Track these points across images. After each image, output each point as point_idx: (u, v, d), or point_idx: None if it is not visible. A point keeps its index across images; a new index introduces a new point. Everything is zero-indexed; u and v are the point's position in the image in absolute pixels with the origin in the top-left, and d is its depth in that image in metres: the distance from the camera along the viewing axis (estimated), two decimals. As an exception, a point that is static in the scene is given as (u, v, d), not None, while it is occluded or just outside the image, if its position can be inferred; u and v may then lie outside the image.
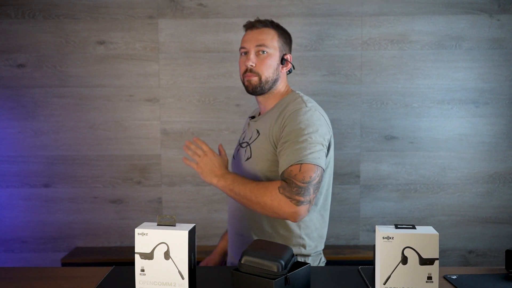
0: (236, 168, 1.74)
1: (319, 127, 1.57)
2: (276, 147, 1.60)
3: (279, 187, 1.49)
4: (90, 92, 2.74)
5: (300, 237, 1.65)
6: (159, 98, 2.75)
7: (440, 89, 2.73)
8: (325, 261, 1.76)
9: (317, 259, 1.70)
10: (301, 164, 1.50)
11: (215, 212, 2.79)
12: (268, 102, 1.71)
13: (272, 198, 1.49)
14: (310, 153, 1.51)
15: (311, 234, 1.67)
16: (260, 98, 1.71)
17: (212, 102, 2.75)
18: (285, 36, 1.71)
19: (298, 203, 1.48)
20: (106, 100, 2.74)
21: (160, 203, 2.79)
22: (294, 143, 1.53)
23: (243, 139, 1.76)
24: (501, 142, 2.75)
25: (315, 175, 1.50)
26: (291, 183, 1.48)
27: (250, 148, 1.67)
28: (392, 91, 2.73)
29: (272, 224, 1.64)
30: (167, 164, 2.77)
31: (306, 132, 1.54)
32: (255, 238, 1.64)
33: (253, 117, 1.79)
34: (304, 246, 1.66)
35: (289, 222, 1.63)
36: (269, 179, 1.61)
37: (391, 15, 2.70)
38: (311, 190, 1.49)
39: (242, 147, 1.74)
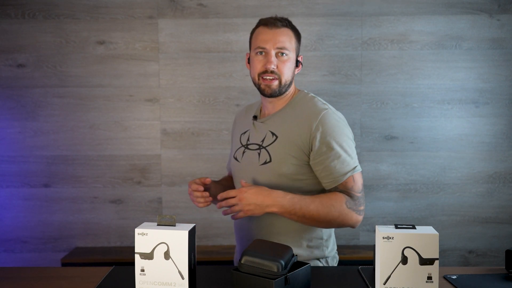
0: (245, 172, 1.65)
1: (347, 127, 1.64)
2: (305, 152, 1.57)
3: (345, 202, 1.52)
4: (90, 92, 2.74)
5: (322, 238, 1.65)
6: (159, 98, 2.75)
7: (440, 89, 2.73)
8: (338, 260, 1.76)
9: (334, 259, 1.71)
10: (353, 175, 1.55)
11: (215, 212, 2.79)
12: (278, 102, 1.66)
13: (340, 214, 1.51)
14: (355, 161, 1.57)
15: (330, 236, 1.69)
16: (273, 99, 1.65)
17: (212, 102, 2.75)
18: (298, 37, 1.66)
19: (361, 212, 1.55)
20: (106, 100, 2.74)
21: (160, 203, 2.79)
22: (337, 153, 1.54)
23: (248, 140, 1.67)
24: (501, 142, 2.75)
25: (362, 181, 1.58)
26: (352, 196, 1.53)
27: (266, 151, 1.60)
28: (392, 91, 2.73)
29: (296, 229, 1.60)
30: (167, 164, 2.77)
31: (344, 138, 1.58)
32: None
33: (255, 117, 1.71)
34: (327, 247, 1.67)
35: (314, 231, 1.63)
36: (294, 184, 1.58)
37: (391, 15, 2.70)
38: (364, 195, 1.58)
39: (249, 149, 1.65)
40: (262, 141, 1.63)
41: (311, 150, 1.56)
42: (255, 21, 1.73)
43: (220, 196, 1.49)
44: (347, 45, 2.71)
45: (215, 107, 2.75)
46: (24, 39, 2.70)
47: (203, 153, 2.74)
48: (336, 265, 1.70)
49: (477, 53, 2.71)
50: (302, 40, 2.70)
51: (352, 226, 1.56)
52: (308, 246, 1.62)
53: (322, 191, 1.61)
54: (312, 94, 1.68)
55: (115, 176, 2.77)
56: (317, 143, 1.55)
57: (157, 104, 2.75)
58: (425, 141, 2.75)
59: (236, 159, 1.70)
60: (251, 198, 1.46)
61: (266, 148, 1.61)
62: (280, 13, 2.68)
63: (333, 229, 1.71)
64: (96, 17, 2.70)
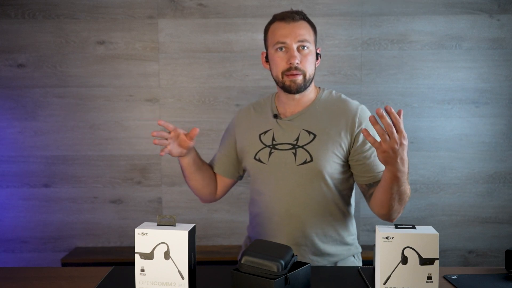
0: (275, 173, 1.58)
1: None
2: (346, 149, 1.55)
3: None
4: (90, 92, 2.74)
5: (353, 234, 1.68)
6: (159, 98, 2.75)
7: (440, 89, 2.73)
8: None
9: (360, 255, 1.73)
10: None
11: (215, 212, 2.79)
12: (303, 100, 1.62)
13: (406, 201, 1.51)
14: None
15: (356, 231, 1.71)
16: (297, 95, 1.60)
17: (212, 102, 2.75)
18: (315, 29, 1.62)
19: None
20: (106, 100, 2.74)
21: (160, 203, 2.79)
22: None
23: (274, 140, 1.60)
24: (501, 142, 2.75)
25: None
26: None
27: (305, 150, 1.55)
28: (392, 91, 2.73)
29: (335, 227, 1.60)
30: (167, 164, 2.77)
31: None
32: (320, 244, 1.58)
33: (276, 115, 1.64)
34: (357, 242, 1.69)
35: (349, 224, 1.64)
36: (331, 182, 1.57)
37: (391, 15, 2.70)
38: None
39: (278, 149, 1.59)
40: (296, 140, 1.58)
41: (353, 146, 1.55)
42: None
43: (382, 115, 1.24)
44: (347, 45, 2.71)
45: (215, 107, 2.75)
46: (24, 39, 2.70)
47: (203, 153, 2.72)
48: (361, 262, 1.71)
49: (477, 53, 2.71)
50: (302, 40, 2.71)
51: (394, 219, 1.56)
52: (346, 243, 1.63)
53: (349, 189, 1.63)
54: (334, 91, 1.68)
55: (115, 176, 2.77)
56: (361, 138, 1.55)
57: (157, 104, 2.75)
58: (425, 141, 2.75)
59: (259, 160, 1.61)
60: (403, 151, 1.30)
61: (304, 147, 1.56)
62: (280, 13, 2.69)
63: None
64: (96, 17, 2.70)
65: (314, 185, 1.55)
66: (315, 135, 1.56)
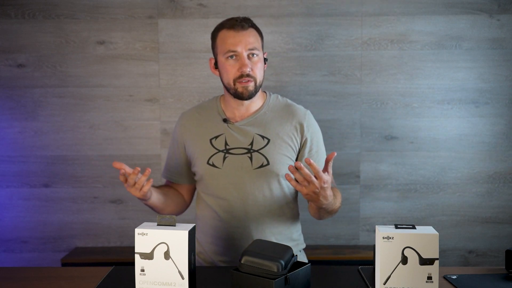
0: (231, 177, 1.61)
1: None
2: (296, 152, 1.66)
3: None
4: (90, 92, 2.74)
5: (299, 230, 1.77)
6: (159, 98, 2.75)
7: (440, 89, 2.73)
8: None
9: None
10: None
11: (215, 212, 2.79)
12: (253, 105, 1.67)
13: (337, 208, 1.61)
14: None
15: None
16: (247, 101, 1.65)
17: (212, 102, 2.75)
18: (262, 35, 1.68)
19: None
20: (106, 100, 2.74)
21: (160, 203, 2.79)
22: (323, 151, 1.71)
23: (227, 145, 1.63)
24: (501, 142, 2.75)
25: None
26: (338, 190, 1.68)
27: (261, 154, 1.61)
28: (392, 91, 2.73)
29: (287, 225, 1.69)
30: (167, 164, 2.76)
31: (321, 136, 1.73)
32: (276, 242, 1.63)
33: (225, 120, 1.67)
34: (302, 237, 1.78)
35: (297, 221, 1.74)
36: (284, 182, 1.65)
37: (391, 15, 2.70)
38: None
39: (233, 153, 1.62)
40: (251, 144, 1.62)
41: (300, 150, 1.67)
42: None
43: (301, 167, 1.33)
44: (347, 45, 2.71)
45: (215, 107, 2.74)
46: (24, 39, 2.70)
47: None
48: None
49: (477, 53, 2.71)
50: (302, 40, 2.72)
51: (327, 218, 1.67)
52: (295, 239, 1.72)
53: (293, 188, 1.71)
54: (280, 95, 1.75)
55: (115, 176, 2.77)
56: (308, 143, 1.66)
57: (157, 104, 2.75)
58: (425, 141, 2.75)
59: (213, 165, 1.64)
60: (325, 192, 1.41)
61: (259, 151, 1.62)
62: (280, 13, 2.69)
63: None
64: (96, 17, 2.70)
65: (271, 187, 1.63)
66: (269, 140, 1.63)
